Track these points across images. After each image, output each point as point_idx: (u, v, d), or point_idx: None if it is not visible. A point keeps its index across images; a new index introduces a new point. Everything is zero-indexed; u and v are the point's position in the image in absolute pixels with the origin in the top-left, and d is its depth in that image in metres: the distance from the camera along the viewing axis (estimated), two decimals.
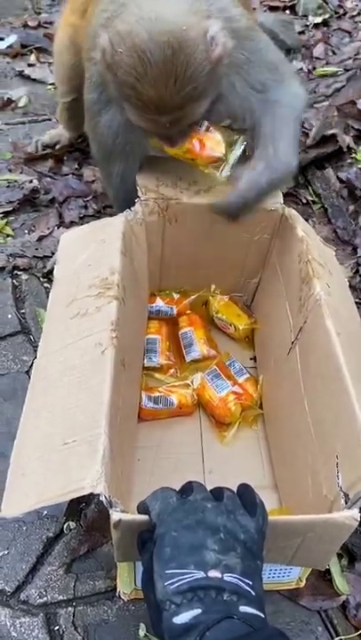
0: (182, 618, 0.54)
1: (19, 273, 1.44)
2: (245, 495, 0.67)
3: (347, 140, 1.78)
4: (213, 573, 0.57)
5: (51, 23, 2.46)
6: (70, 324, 0.92)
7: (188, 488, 0.67)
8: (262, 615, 0.56)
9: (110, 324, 0.87)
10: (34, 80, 2.14)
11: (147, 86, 0.81)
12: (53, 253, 1.47)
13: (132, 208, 1.09)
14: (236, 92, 1.00)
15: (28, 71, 2.16)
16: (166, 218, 1.13)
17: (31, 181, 1.67)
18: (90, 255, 1.02)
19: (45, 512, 1.01)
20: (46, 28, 2.42)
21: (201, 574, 0.57)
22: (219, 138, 0.99)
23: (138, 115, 0.89)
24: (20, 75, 2.15)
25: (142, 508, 0.67)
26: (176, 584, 0.56)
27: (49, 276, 1.43)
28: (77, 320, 0.91)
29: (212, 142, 0.98)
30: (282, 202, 1.12)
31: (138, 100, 0.84)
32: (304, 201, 1.70)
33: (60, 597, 0.93)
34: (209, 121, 1.00)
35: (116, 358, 0.83)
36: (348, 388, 0.80)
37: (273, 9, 2.55)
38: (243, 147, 1.02)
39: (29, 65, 2.21)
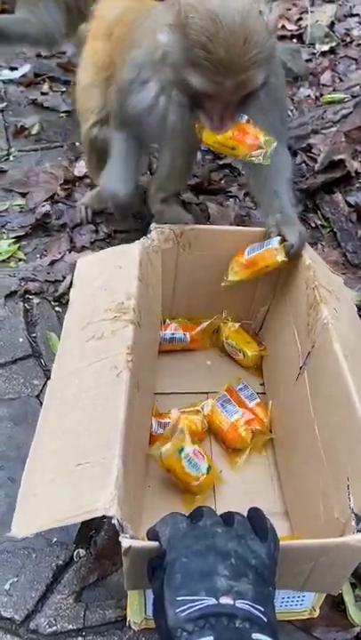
0: None
1: (30, 297, 1.45)
2: (256, 520, 0.67)
3: (355, 165, 1.80)
4: (225, 600, 0.56)
5: (63, 53, 2.52)
6: (86, 346, 0.93)
7: (197, 513, 0.67)
8: None
9: (126, 347, 0.88)
10: (47, 108, 2.19)
11: (218, 46, 0.87)
12: (65, 277, 1.49)
13: (149, 235, 1.11)
14: (261, 104, 1.05)
15: (40, 99, 2.21)
16: (180, 244, 1.15)
17: (44, 206, 1.70)
18: (106, 280, 1.04)
19: (55, 539, 1.00)
20: (59, 57, 2.48)
21: (212, 601, 0.56)
22: (258, 129, 1.03)
23: (204, 77, 0.92)
24: (34, 103, 2.20)
25: (152, 535, 0.66)
26: (187, 611, 0.56)
27: (60, 299, 1.45)
28: (93, 343, 0.92)
29: (252, 131, 1.02)
30: None
31: (207, 61, 0.89)
32: (313, 225, 1.71)
33: (70, 627, 0.91)
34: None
35: (131, 381, 0.84)
36: (358, 411, 0.80)
37: (281, 37, 2.60)
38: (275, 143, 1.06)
39: (42, 93, 2.26)
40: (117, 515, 0.65)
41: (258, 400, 1.18)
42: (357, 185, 1.80)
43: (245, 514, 0.68)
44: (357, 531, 0.72)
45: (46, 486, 0.75)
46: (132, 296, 0.96)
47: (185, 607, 0.56)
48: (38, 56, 2.49)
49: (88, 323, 0.95)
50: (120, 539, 0.66)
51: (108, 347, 0.89)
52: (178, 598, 0.57)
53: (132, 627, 0.89)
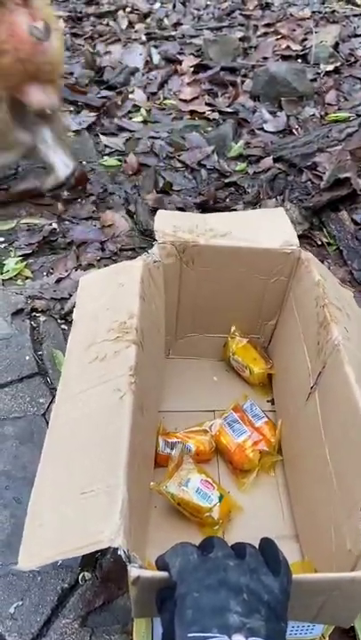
0: None
1: (37, 315, 1.46)
2: (268, 551, 0.65)
3: (360, 182, 1.81)
4: (237, 637, 0.54)
5: (71, 74, 2.56)
6: (88, 368, 0.91)
7: (208, 544, 0.65)
8: None
9: (129, 369, 0.86)
10: None
11: None
12: (71, 295, 1.49)
13: (150, 251, 1.11)
14: None
15: None
16: (183, 260, 1.14)
17: (50, 224, 1.71)
18: (108, 299, 1.03)
19: (60, 562, 0.98)
20: (66, 78, 2.51)
21: (225, 638, 0.54)
22: None
23: None
24: None
25: (162, 564, 0.64)
26: None
27: (66, 317, 1.45)
28: (96, 364, 0.91)
29: None
30: (298, 244, 1.13)
31: None
32: (319, 243, 1.72)
33: None
34: None
35: (134, 404, 0.82)
36: None
37: (285, 58, 2.64)
38: None
39: None
40: (123, 545, 0.64)
41: (265, 419, 1.17)
42: None
43: (257, 543, 0.67)
44: None
45: (51, 516, 0.74)
46: (135, 315, 0.95)
47: None
48: None
49: (91, 344, 0.94)
50: (128, 568, 0.64)
51: (111, 368, 0.88)
52: (189, 635, 0.55)
53: None
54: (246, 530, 1.01)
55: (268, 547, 0.65)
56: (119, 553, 0.63)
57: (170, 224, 1.16)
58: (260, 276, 1.17)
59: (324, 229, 1.76)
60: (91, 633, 0.92)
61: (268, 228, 1.17)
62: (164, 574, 0.62)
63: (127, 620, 0.92)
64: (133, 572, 0.63)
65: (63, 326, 1.44)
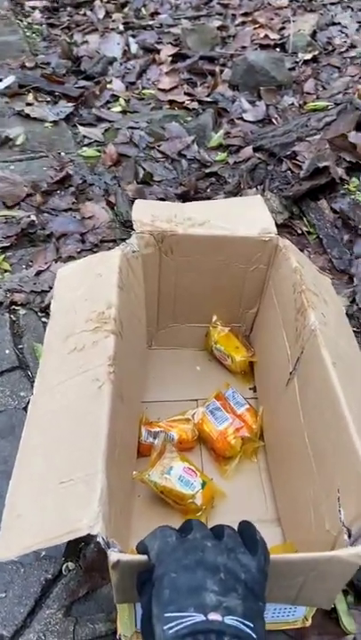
0: None
1: (16, 308, 1.44)
2: (246, 532, 0.65)
3: (339, 171, 1.82)
4: (214, 616, 0.55)
5: (47, 64, 2.53)
6: (67, 359, 0.91)
7: (187, 526, 0.65)
8: None
9: (108, 358, 0.86)
10: (32, 119, 2.19)
11: None
12: (51, 288, 1.47)
13: (128, 241, 1.10)
14: None
15: (27, 110, 2.21)
16: (162, 250, 1.13)
17: (29, 216, 1.69)
18: (86, 289, 1.02)
19: (44, 553, 0.98)
20: (43, 68, 2.49)
21: (201, 617, 0.54)
22: None
23: None
24: (18, 114, 2.20)
25: (141, 548, 0.65)
26: (175, 628, 0.54)
27: (47, 310, 1.43)
28: (74, 355, 0.90)
29: None
30: (276, 232, 1.14)
31: None
32: (299, 231, 1.72)
33: None
34: None
35: (113, 394, 0.82)
36: (347, 420, 0.79)
37: (263, 47, 2.63)
38: None
39: (27, 104, 2.27)
40: (102, 532, 0.64)
41: (247, 406, 1.18)
42: (342, 191, 1.81)
43: (236, 526, 0.67)
44: (350, 544, 0.71)
45: (30, 506, 0.73)
46: (113, 305, 0.95)
47: (173, 624, 0.55)
48: (22, 67, 2.50)
49: (69, 335, 0.93)
50: (108, 553, 0.64)
51: (90, 358, 0.88)
52: (166, 614, 0.56)
53: None
54: (229, 516, 1.01)
55: (246, 528, 0.66)
56: (98, 540, 0.63)
57: (148, 214, 1.15)
58: (239, 265, 1.17)
59: (304, 218, 1.77)
60: (75, 622, 0.92)
61: (247, 216, 1.17)
62: (143, 558, 0.63)
63: (111, 608, 0.92)
64: (113, 556, 0.63)
65: (44, 319, 1.43)
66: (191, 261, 1.16)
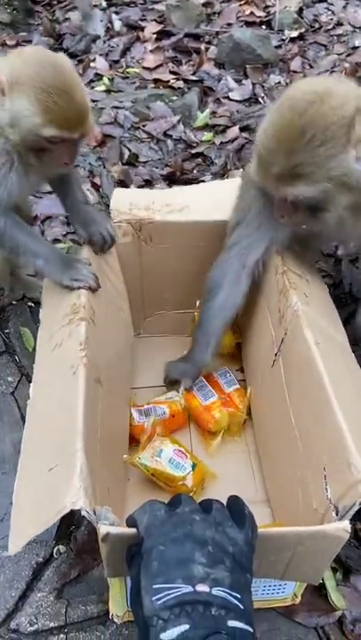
0: (170, 634, 0.52)
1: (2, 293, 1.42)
2: (234, 507, 0.66)
3: None
4: (201, 587, 0.55)
5: (29, 41, 2.47)
6: (51, 356, 0.92)
7: (176, 501, 0.66)
8: (251, 629, 0.55)
9: (79, 344, 0.87)
10: None
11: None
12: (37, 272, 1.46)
13: None
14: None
15: None
16: (141, 238, 1.13)
17: None
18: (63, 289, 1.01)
19: (34, 537, 0.98)
20: (25, 46, 2.42)
21: (189, 589, 0.55)
22: None
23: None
24: None
25: (131, 522, 0.65)
26: (163, 599, 0.55)
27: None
28: (56, 352, 0.92)
29: None
30: None
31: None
32: None
33: (52, 624, 0.90)
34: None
35: (87, 376, 0.83)
36: (331, 398, 0.80)
37: (249, 24, 2.59)
38: None
39: None
40: (85, 506, 0.64)
41: (237, 386, 1.18)
42: None
43: (225, 502, 0.68)
44: (335, 520, 0.72)
45: (29, 499, 0.75)
46: (83, 294, 0.95)
47: (161, 595, 0.55)
48: (3, 45, 2.44)
49: (52, 334, 0.94)
50: (97, 526, 0.65)
51: (67, 350, 0.89)
52: (154, 586, 0.56)
53: (115, 620, 0.88)
54: (219, 497, 1.03)
55: (234, 502, 0.67)
56: (83, 514, 0.64)
57: (126, 202, 1.15)
58: (219, 250, 1.16)
59: None
60: (67, 604, 0.92)
61: (227, 200, 1.16)
62: (132, 531, 0.64)
63: (103, 590, 0.93)
64: (102, 529, 0.64)
65: (30, 303, 1.41)
66: (171, 248, 1.16)
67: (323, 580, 0.94)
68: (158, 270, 1.19)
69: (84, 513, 0.64)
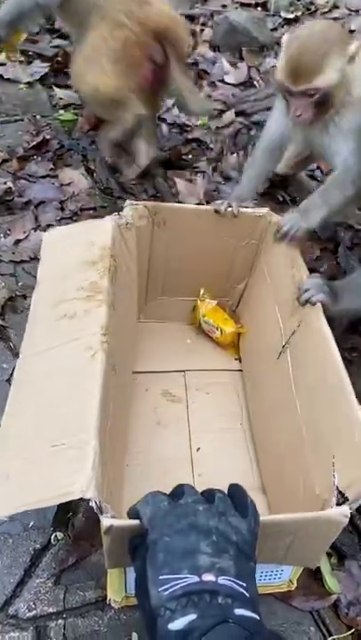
0: (177, 624, 0.53)
1: None
2: (236, 496, 0.67)
3: None
4: (207, 577, 0.56)
5: None
6: (57, 325, 0.90)
7: (179, 491, 0.66)
8: (257, 617, 0.56)
9: (100, 327, 0.86)
10: (6, 80, 2.10)
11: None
12: (31, 258, 1.44)
13: (121, 213, 1.08)
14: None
15: (0, 70, 2.12)
16: (155, 222, 1.12)
17: (5, 183, 1.64)
18: (78, 257, 0.99)
19: (32, 523, 0.99)
20: None
21: (195, 578, 0.56)
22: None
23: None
24: None
25: (133, 514, 0.66)
26: (170, 589, 0.55)
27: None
28: (65, 322, 0.89)
29: None
30: (268, 209, 1.14)
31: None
32: (281, 199, 1.70)
33: (50, 610, 0.91)
34: None
35: (106, 363, 0.82)
36: (348, 389, 0.81)
37: (245, 6, 2.56)
38: None
39: (0, 64, 2.16)
40: (95, 497, 0.64)
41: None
42: None
43: (225, 490, 0.68)
44: (337, 505, 0.73)
45: (19, 468, 0.73)
46: (106, 275, 0.93)
47: (168, 586, 0.56)
48: None
49: (59, 301, 0.92)
50: (101, 518, 0.65)
51: (82, 326, 0.87)
52: (160, 577, 0.57)
53: (113, 605, 0.89)
54: (215, 484, 1.02)
55: (236, 491, 0.67)
56: (91, 504, 0.64)
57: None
58: (230, 239, 1.16)
59: (286, 188, 1.75)
60: (65, 590, 0.93)
61: None
62: (135, 522, 0.64)
63: (100, 575, 0.93)
64: (106, 521, 0.64)
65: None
66: (182, 234, 1.15)
67: (318, 564, 0.95)
68: (166, 256, 1.18)
69: (92, 504, 0.64)
